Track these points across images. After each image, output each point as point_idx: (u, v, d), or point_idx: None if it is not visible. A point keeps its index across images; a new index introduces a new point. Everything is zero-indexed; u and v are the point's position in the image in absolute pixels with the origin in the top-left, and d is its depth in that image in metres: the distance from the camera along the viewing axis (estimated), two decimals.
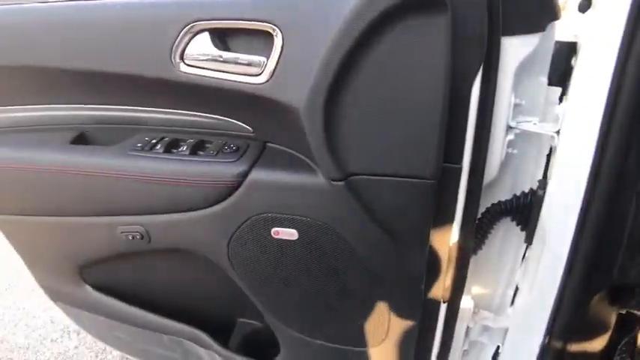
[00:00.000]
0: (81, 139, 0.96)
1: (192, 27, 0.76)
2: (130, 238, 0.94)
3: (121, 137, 0.94)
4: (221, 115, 0.88)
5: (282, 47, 0.73)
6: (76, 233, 1.00)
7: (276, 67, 0.74)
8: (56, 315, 1.92)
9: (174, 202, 0.88)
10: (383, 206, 0.81)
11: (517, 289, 1.03)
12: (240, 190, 0.83)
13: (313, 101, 0.71)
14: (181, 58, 0.78)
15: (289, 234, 0.85)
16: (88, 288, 1.11)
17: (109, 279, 1.09)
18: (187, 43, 0.78)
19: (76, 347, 1.82)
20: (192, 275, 1.03)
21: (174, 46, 0.78)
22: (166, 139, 0.90)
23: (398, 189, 0.78)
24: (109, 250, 1.00)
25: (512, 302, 1.04)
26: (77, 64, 0.84)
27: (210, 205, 0.86)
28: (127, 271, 1.07)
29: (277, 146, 0.89)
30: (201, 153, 0.87)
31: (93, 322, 1.18)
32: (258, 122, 0.87)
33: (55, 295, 1.19)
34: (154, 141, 0.89)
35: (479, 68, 0.73)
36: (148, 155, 0.86)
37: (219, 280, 0.99)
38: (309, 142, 0.75)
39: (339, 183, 0.77)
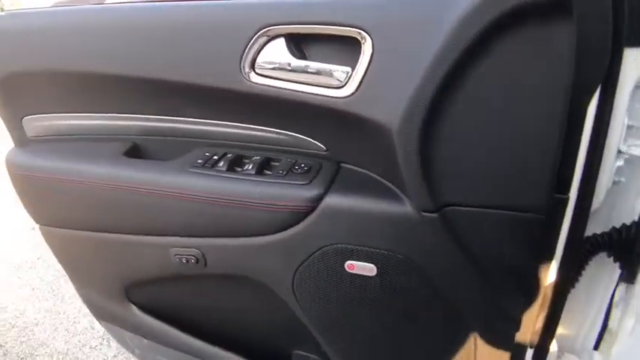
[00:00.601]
0: (134, 151, 0.88)
1: (266, 32, 0.67)
2: (184, 261, 0.86)
3: (177, 151, 0.86)
4: (291, 131, 0.78)
5: (371, 55, 0.63)
6: (124, 251, 0.92)
7: (363, 79, 0.64)
8: (96, 322, 1.88)
9: (237, 226, 0.78)
10: (478, 241, 0.69)
11: (605, 331, 0.90)
12: (312, 216, 0.73)
13: (409, 120, 0.60)
14: (252, 66, 0.69)
15: (366, 269, 0.74)
16: (134, 308, 1.03)
17: (157, 300, 1.02)
18: (259, 50, 0.68)
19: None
20: (248, 303, 0.94)
21: (245, 53, 0.68)
22: (229, 155, 0.81)
23: (499, 223, 0.66)
24: (160, 271, 0.92)
25: (597, 346, 0.92)
26: (134, 71, 0.76)
27: (277, 232, 0.76)
28: (176, 294, 0.99)
29: (354, 167, 0.78)
30: (269, 173, 0.78)
31: (137, 343, 1.11)
32: (333, 140, 0.77)
33: (98, 313, 1.13)
34: (215, 157, 0.80)
35: (599, 84, 0.61)
36: (210, 173, 0.77)
37: (277, 309, 0.89)
38: (396, 164, 0.65)
39: (432, 215, 0.66)
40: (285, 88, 0.68)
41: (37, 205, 0.94)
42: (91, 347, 1.83)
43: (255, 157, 0.81)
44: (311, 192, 0.72)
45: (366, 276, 0.75)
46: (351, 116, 0.66)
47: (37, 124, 0.92)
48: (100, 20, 0.78)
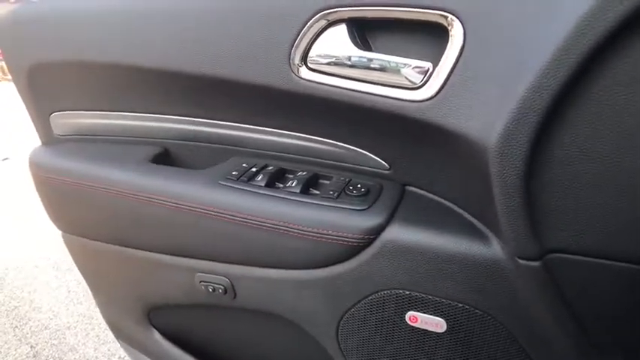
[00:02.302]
0: (163, 157, 0.77)
1: (325, 15, 0.53)
2: (210, 290, 0.73)
3: (210, 159, 0.74)
4: (347, 143, 0.63)
5: (461, 47, 0.47)
6: (148, 270, 0.81)
7: (448, 78, 0.48)
8: None
9: (273, 255, 0.64)
10: (586, 300, 0.51)
11: None
12: (369, 251, 0.57)
13: (512, 136, 0.43)
14: (303, 59, 0.55)
15: (433, 323, 0.57)
16: (156, 333, 0.92)
17: (181, 327, 0.89)
18: (315, 39, 0.54)
19: None
20: (281, 343, 0.79)
21: (297, 41, 0.55)
22: (270, 168, 0.67)
23: (615, 277, 0.48)
24: (184, 297, 0.79)
25: None
26: (169, 64, 0.65)
27: (323, 266, 0.61)
28: (202, 323, 0.86)
29: (424, 192, 0.62)
30: (316, 192, 0.64)
31: None
32: (400, 155, 0.61)
33: (117, 332, 1.02)
34: (254, 169, 0.67)
35: None
36: (245, 188, 0.64)
37: (314, 355, 0.74)
38: (486, 193, 0.48)
39: (531, 263, 0.49)
40: (344, 87, 0.54)
41: (58, 210, 0.85)
42: (119, 357, 1.75)
43: (300, 173, 0.66)
44: (369, 220, 0.57)
45: (432, 332, 0.58)
46: (427, 126, 0.50)
47: (65, 121, 0.82)
48: (136, 6, 0.67)
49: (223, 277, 0.70)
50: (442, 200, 0.60)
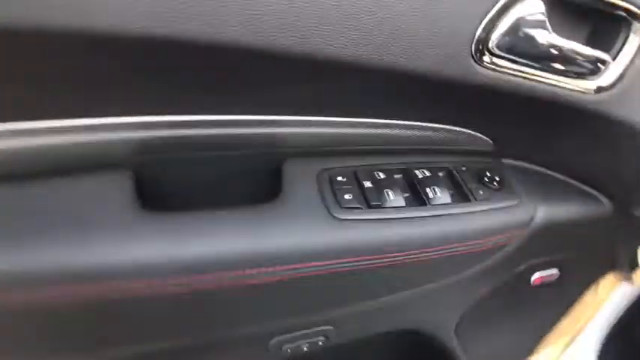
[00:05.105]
0: (152, 190, 0.46)
1: None
2: (304, 349, 0.54)
3: (223, 175, 0.49)
4: (455, 125, 0.54)
5: None
6: None
7: (625, 72, 0.49)
8: None
9: (400, 282, 0.53)
10: None
11: None
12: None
13: None
14: (484, 47, 0.43)
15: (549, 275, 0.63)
16: None
17: None
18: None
19: None
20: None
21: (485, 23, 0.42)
22: (380, 175, 0.51)
23: None
24: None
25: None
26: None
27: (462, 272, 0.55)
28: None
29: (525, 165, 0.62)
30: (441, 195, 0.52)
31: None
32: (510, 132, 0.58)
33: None
34: (367, 183, 0.49)
35: None
36: (383, 217, 0.47)
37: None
38: (617, 168, 0.55)
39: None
40: (525, 76, 0.46)
41: None
42: None
43: (397, 175, 0.54)
44: (524, 213, 0.54)
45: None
46: (598, 117, 0.50)
47: None
48: None
49: (323, 327, 0.53)
50: (545, 170, 0.62)
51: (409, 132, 0.53)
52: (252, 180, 0.50)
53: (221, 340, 0.50)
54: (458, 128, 0.55)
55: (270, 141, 0.48)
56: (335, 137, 0.50)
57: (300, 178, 0.49)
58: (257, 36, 0.33)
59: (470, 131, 0.56)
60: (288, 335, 0.53)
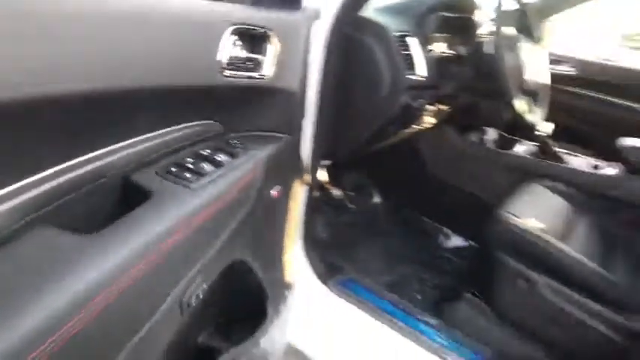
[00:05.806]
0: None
1: None
2: None
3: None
4: None
5: None
6: None
7: (274, 63, 0.88)
8: None
9: None
10: None
11: None
12: None
13: None
14: None
15: None
16: None
17: None
18: None
19: None
20: None
21: None
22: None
23: None
24: None
25: None
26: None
27: None
28: None
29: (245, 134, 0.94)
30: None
31: None
32: None
33: None
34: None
35: None
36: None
37: None
38: None
39: None
40: None
41: None
42: None
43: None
44: (247, 168, 0.84)
45: None
46: None
47: None
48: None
49: None
50: (251, 133, 0.97)
51: (180, 133, 0.78)
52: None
53: None
54: (204, 121, 0.83)
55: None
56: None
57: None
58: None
59: (210, 121, 0.85)
60: None
